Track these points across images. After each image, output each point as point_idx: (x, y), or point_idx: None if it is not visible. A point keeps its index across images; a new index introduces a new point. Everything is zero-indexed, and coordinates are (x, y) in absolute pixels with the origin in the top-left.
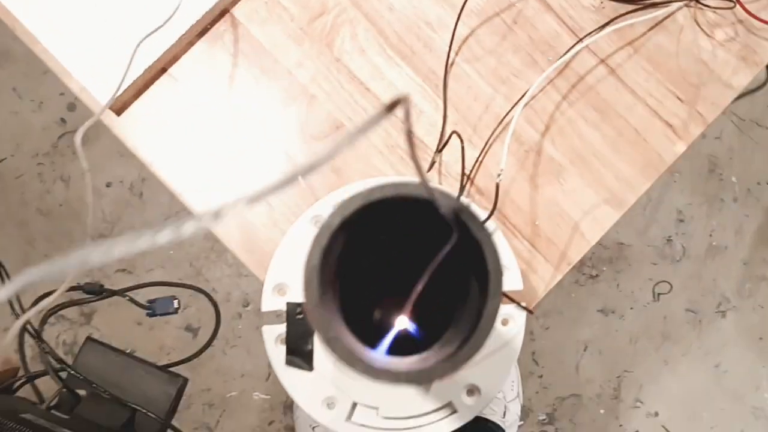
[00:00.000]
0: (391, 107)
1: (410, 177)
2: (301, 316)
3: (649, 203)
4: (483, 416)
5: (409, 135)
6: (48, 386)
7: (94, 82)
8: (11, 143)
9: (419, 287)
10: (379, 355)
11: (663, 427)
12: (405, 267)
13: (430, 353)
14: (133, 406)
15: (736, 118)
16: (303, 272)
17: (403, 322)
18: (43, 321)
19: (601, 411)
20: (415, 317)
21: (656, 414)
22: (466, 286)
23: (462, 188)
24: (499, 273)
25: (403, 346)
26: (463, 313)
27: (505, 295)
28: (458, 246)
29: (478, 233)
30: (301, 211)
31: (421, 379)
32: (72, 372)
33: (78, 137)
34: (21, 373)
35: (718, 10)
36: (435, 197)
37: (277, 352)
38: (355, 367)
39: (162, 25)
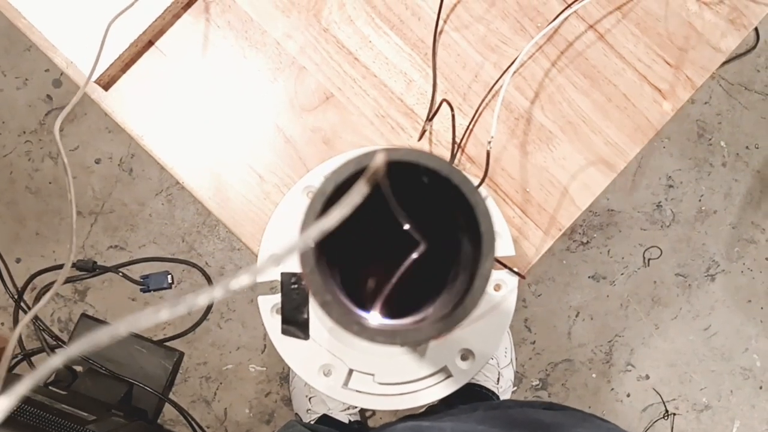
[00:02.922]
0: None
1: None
2: (295, 286)
3: (639, 169)
4: (477, 382)
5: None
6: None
7: (81, 56)
8: None
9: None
10: (373, 317)
11: (654, 389)
12: (394, 231)
13: (424, 316)
14: (131, 380)
15: (725, 83)
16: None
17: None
18: (37, 299)
19: (593, 375)
20: (408, 282)
21: (647, 377)
22: (460, 250)
23: (453, 156)
24: (492, 234)
25: (398, 309)
26: (457, 276)
27: (498, 261)
28: (452, 210)
29: (470, 196)
30: (292, 182)
31: (415, 338)
32: None
33: (57, 125)
34: (17, 351)
35: None
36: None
37: (273, 322)
38: (351, 329)
39: None
